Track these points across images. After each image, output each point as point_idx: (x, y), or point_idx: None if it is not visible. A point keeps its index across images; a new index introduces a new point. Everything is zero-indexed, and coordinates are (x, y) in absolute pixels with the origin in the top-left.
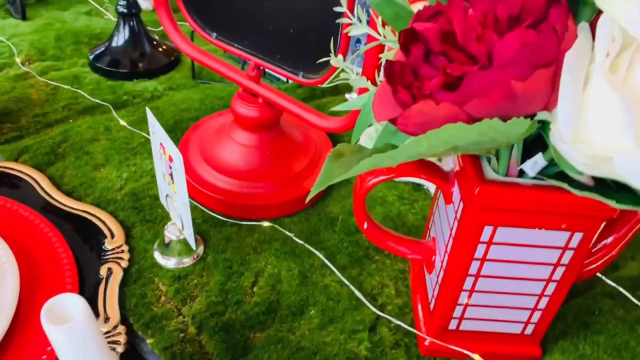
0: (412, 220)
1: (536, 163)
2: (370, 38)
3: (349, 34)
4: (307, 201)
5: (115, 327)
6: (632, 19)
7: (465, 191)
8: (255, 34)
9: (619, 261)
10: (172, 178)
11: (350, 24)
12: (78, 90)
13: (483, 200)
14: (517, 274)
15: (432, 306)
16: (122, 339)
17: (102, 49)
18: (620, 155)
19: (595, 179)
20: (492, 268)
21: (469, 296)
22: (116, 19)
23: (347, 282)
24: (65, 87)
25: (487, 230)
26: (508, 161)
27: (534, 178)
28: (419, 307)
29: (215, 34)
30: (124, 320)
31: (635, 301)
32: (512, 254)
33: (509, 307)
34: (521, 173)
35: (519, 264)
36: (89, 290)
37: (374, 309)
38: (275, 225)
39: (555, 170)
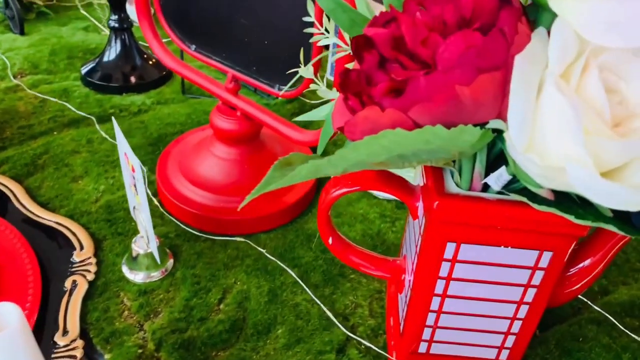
0: (392, 239)
1: (500, 176)
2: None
3: (318, 45)
4: (239, 209)
5: (73, 341)
6: (585, 22)
7: (426, 205)
8: (232, 46)
9: (609, 286)
10: (136, 189)
11: (319, 34)
12: (65, 103)
13: (443, 215)
14: (485, 295)
15: (401, 328)
16: (78, 353)
17: (94, 63)
18: (571, 164)
19: (559, 194)
20: (458, 288)
21: (437, 317)
22: None
23: (317, 301)
24: (53, 99)
25: (450, 247)
26: (471, 175)
27: (499, 193)
28: (392, 329)
29: (194, 47)
30: (84, 334)
31: (623, 328)
32: (479, 273)
33: (480, 330)
34: (486, 188)
35: (486, 284)
36: (52, 302)
37: (344, 330)
38: (249, 241)
39: (522, 186)
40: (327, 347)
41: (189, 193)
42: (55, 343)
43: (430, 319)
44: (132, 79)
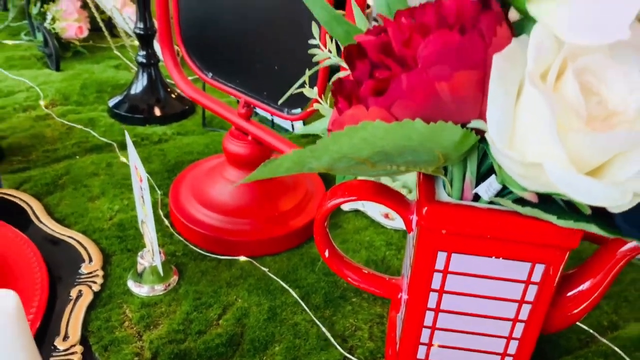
0: (397, 266)
1: (490, 185)
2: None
3: (322, 65)
4: (234, 185)
5: (72, 346)
6: (561, 23)
7: (417, 213)
8: (244, 72)
9: (619, 322)
10: (143, 200)
11: (326, 57)
12: (90, 131)
13: (432, 222)
14: (479, 311)
15: (397, 347)
16: (76, 358)
17: (121, 97)
18: (549, 161)
19: (544, 199)
20: (451, 302)
21: (431, 334)
22: None
23: (317, 322)
24: (79, 127)
25: (442, 257)
26: (462, 184)
27: (490, 203)
28: (390, 352)
29: (211, 74)
30: (84, 341)
31: None
32: (471, 287)
33: (475, 350)
34: (478, 198)
35: (480, 298)
36: (57, 308)
37: (342, 350)
38: (253, 261)
39: (512, 197)
40: None
41: (199, 215)
42: (55, 347)
43: (425, 335)
44: (156, 111)
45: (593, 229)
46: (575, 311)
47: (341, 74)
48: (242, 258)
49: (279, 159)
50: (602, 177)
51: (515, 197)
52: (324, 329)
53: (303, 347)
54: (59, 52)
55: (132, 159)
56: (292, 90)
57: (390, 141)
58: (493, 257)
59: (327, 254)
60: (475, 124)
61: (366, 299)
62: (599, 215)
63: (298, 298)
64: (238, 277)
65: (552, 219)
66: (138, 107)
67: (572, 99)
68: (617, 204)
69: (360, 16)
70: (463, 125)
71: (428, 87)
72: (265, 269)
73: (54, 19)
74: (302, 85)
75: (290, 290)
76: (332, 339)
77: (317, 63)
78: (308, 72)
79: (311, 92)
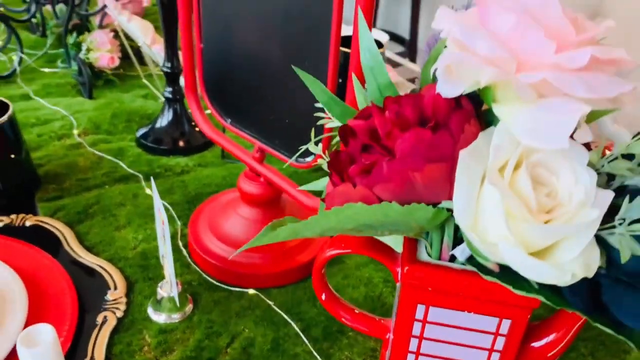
0: (392, 303)
1: (464, 249)
2: None
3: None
4: (230, 257)
5: None
6: (516, 126)
7: (401, 270)
8: (259, 122)
9: None
10: (164, 239)
11: (328, 118)
12: (119, 162)
13: (412, 279)
14: (455, 356)
15: None
16: None
17: (147, 128)
18: (503, 242)
19: (506, 267)
20: (430, 347)
21: None
22: None
23: (315, 353)
24: (109, 157)
25: (421, 309)
26: (440, 246)
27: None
28: None
29: (229, 120)
30: None
31: None
32: (447, 335)
33: None
34: (455, 258)
35: (455, 345)
36: (85, 332)
37: None
38: (260, 294)
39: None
40: None
41: (214, 247)
42: None
43: None
44: (180, 143)
45: (541, 298)
46: None
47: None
48: (251, 291)
49: (276, 232)
50: (548, 258)
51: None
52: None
53: None
54: (92, 81)
55: (157, 204)
56: (303, 148)
57: (372, 218)
58: (465, 312)
59: (323, 297)
60: (445, 204)
61: (361, 334)
62: (550, 287)
63: (299, 331)
64: (247, 308)
65: (510, 287)
66: (163, 139)
67: (524, 192)
68: (558, 282)
69: (360, 90)
70: (435, 205)
71: (404, 175)
72: (271, 302)
73: (88, 49)
74: (310, 141)
75: (293, 323)
76: None
77: (320, 121)
78: (314, 139)
79: (316, 149)
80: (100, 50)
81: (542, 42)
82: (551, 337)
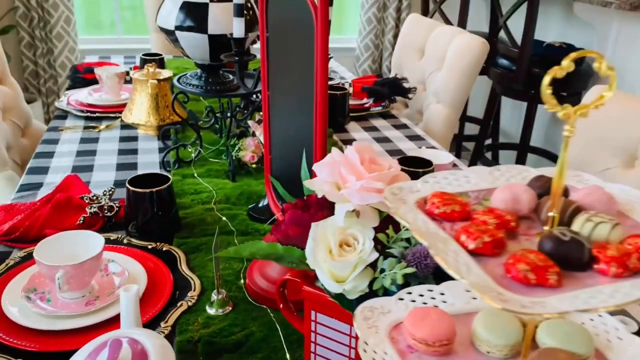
0: None
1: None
2: None
3: None
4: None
5: (166, 328)
6: (337, 212)
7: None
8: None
9: None
10: (215, 270)
11: None
12: (228, 222)
13: (306, 295)
14: (336, 349)
15: None
16: (166, 331)
17: (255, 205)
18: (319, 272)
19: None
20: (320, 341)
21: None
22: None
23: (285, 346)
24: (224, 219)
25: (314, 314)
26: None
27: None
28: None
29: (280, 202)
30: (174, 326)
31: None
32: (330, 334)
33: None
34: None
35: (333, 341)
36: (168, 308)
37: None
38: (269, 310)
39: None
40: None
41: (256, 279)
42: (159, 326)
43: None
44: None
45: (337, 302)
46: None
47: None
48: (264, 307)
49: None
50: (344, 284)
51: None
52: None
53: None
54: (236, 170)
55: (215, 248)
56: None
57: (269, 252)
58: (333, 318)
59: (281, 306)
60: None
61: None
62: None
63: (282, 336)
64: (261, 317)
65: (337, 301)
66: (264, 212)
67: (333, 249)
68: (350, 297)
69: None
70: (302, 249)
71: (285, 231)
72: (272, 315)
73: (239, 149)
74: None
75: (280, 331)
76: None
77: None
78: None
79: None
80: (247, 150)
81: (349, 176)
82: None
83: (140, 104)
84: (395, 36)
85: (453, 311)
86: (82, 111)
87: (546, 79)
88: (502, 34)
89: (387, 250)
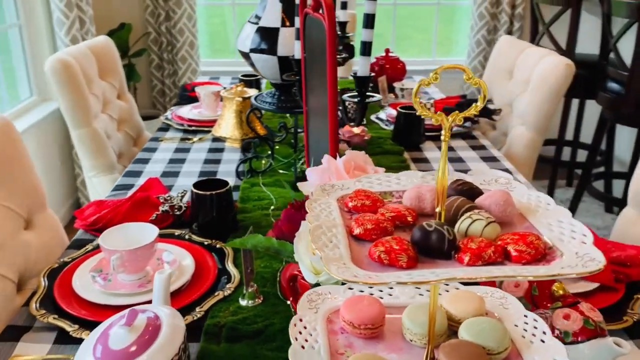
0: None
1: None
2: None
3: None
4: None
5: (200, 312)
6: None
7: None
8: None
9: None
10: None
11: None
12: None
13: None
14: None
15: None
16: (199, 314)
17: None
18: (302, 266)
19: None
20: None
21: None
22: None
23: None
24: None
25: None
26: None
27: None
28: None
29: None
30: (208, 311)
31: None
32: None
33: None
34: None
35: None
36: (207, 296)
37: None
38: (290, 304)
39: None
40: None
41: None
42: (194, 310)
43: None
44: None
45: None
46: None
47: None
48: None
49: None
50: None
51: None
52: None
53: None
54: (301, 181)
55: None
56: None
57: (267, 245)
58: None
59: (290, 299)
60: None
61: None
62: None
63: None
64: (284, 311)
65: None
66: None
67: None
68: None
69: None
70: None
71: (280, 227)
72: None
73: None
74: None
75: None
76: None
77: None
78: None
79: None
80: None
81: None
82: None
83: (228, 119)
84: None
85: (396, 303)
86: (181, 124)
87: None
88: (612, 56)
89: None
